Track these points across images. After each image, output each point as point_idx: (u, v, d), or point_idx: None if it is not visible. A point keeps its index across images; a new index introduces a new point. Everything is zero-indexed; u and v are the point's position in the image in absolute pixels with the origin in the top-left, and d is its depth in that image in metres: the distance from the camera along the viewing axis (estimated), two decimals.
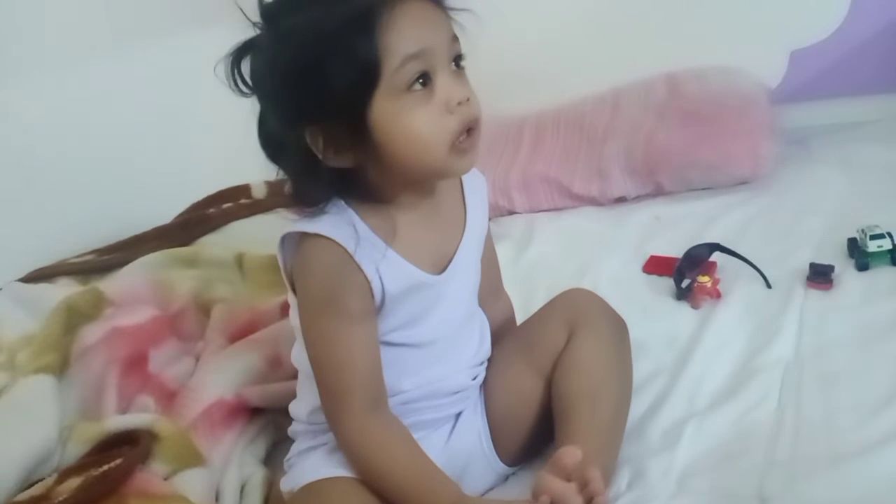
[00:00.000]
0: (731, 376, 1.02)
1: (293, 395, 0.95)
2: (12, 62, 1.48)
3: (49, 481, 0.93)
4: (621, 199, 1.58)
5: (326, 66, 0.74)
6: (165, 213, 1.61)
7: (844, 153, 1.57)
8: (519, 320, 1.10)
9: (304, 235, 0.81)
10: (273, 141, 0.81)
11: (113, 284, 1.26)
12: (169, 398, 1.07)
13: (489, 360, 0.98)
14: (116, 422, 1.00)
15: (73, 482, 0.90)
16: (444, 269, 0.87)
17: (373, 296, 0.82)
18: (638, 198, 1.57)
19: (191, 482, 0.93)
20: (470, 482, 0.92)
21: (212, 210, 1.60)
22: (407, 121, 0.77)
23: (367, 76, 0.75)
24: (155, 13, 1.66)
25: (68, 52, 1.54)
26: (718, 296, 1.18)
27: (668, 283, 1.24)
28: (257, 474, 0.99)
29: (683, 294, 1.20)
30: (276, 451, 1.05)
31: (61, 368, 1.09)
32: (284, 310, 1.20)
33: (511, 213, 1.62)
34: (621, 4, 1.80)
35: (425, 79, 0.77)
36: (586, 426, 0.86)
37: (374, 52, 0.74)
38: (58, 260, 1.46)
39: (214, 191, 1.66)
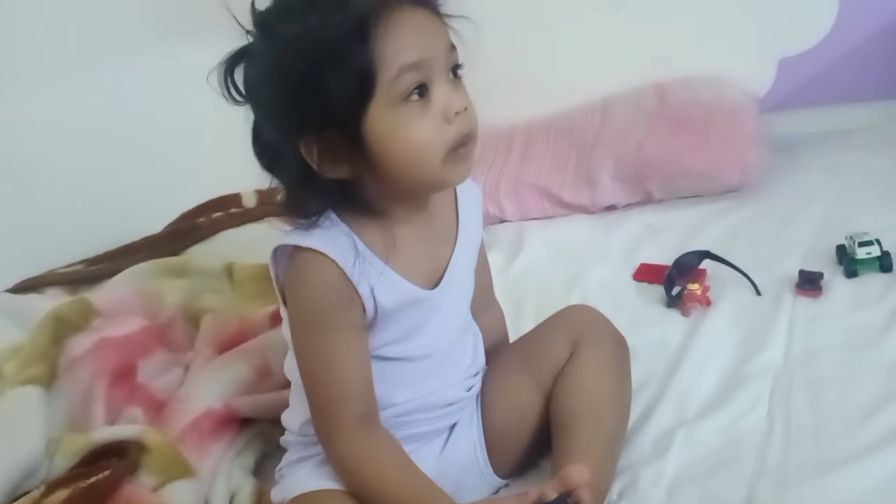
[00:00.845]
0: (721, 384, 1.02)
1: (283, 406, 0.95)
2: (1, 72, 1.47)
3: (36, 494, 0.92)
4: (611, 208, 1.58)
5: (321, 76, 0.73)
6: (155, 222, 1.60)
7: (832, 161, 1.58)
8: (510, 327, 1.10)
9: (297, 249, 0.80)
10: (268, 151, 0.80)
11: (101, 295, 1.26)
12: (157, 409, 1.07)
13: (488, 371, 0.98)
14: (104, 433, 1.00)
15: (61, 494, 0.89)
16: (437, 283, 0.87)
17: (365, 311, 0.82)
18: (628, 206, 1.57)
19: (179, 494, 0.92)
20: (463, 494, 0.91)
21: (202, 219, 1.59)
22: (404, 131, 0.76)
23: (363, 86, 0.74)
24: (146, 22, 1.66)
25: (58, 61, 1.54)
26: (708, 303, 1.19)
27: (658, 290, 1.25)
28: (247, 485, 0.99)
29: (673, 302, 1.20)
30: (265, 462, 1.04)
31: (49, 380, 1.08)
32: (274, 320, 1.19)
33: (501, 221, 1.62)
34: (610, 13, 1.81)
35: (422, 89, 0.76)
36: (586, 444, 0.86)
37: (371, 61, 0.73)
38: (46, 270, 1.45)
39: (204, 200, 1.65)
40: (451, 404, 0.91)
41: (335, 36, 0.73)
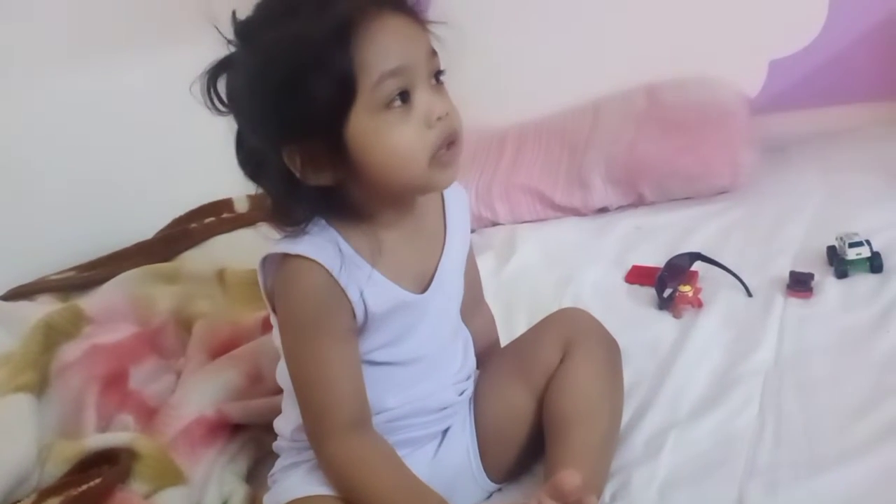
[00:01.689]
0: (713, 385, 1.02)
1: (275, 412, 0.95)
2: None
3: (27, 502, 0.92)
4: (603, 210, 1.58)
5: (302, 84, 0.73)
6: (147, 228, 1.60)
7: (823, 161, 1.58)
8: (501, 330, 1.10)
9: (285, 256, 0.80)
10: (252, 159, 0.80)
11: (92, 301, 1.25)
12: (149, 416, 1.06)
13: (480, 375, 0.98)
14: (96, 440, 0.99)
15: (52, 502, 0.89)
16: (426, 287, 0.87)
17: (355, 316, 0.82)
18: (619, 208, 1.57)
19: (171, 501, 0.92)
20: (456, 499, 0.91)
21: (194, 225, 1.59)
22: (386, 137, 0.76)
23: (343, 93, 0.74)
24: (137, 27, 1.66)
25: (47, 66, 1.53)
26: (700, 305, 1.19)
27: (649, 292, 1.25)
28: (239, 491, 0.98)
29: (665, 303, 1.21)
30: (258, 468, 1.04)
31: (40, 387, 1.08)
32: (266, 325, 1.19)
33: (494, 223, 1.63)
34: (601, 15, 1.81)
35: (404, 95, 0.76)
36: (580, 448, 0.86)
37: (351, 68, 0.73)
38: (38, 277, 1.44)
39: (196, 205, 1.65)
40: (443, 408, 0.91)
41: (315, 43, 0.73)
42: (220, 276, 1.35)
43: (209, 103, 0.79)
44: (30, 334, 1.14)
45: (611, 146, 1.61)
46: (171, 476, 0.95)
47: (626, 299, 1.27)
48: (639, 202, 1.57)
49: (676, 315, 1.18)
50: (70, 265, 1.49)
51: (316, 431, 0.83)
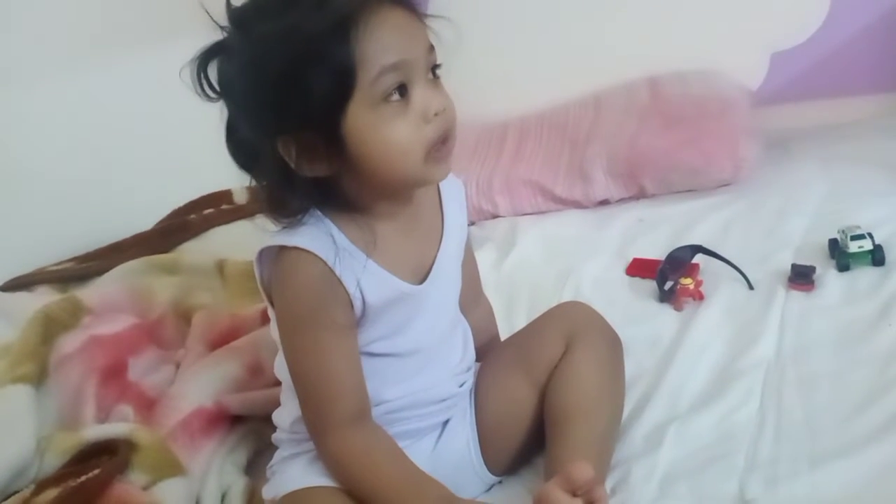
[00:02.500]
0: (713, 378, 1.02)
1: (274, 403, 0.94)
2: None
3: (26, 493, 0.92)
4: (604, 202, 1.58)
5: (300, 75, 0.73)
6: (146, 219, 1.59)
7: (825, 154, 1.57)
8: (502, 323, 1.10)
9: (281, 249, 0.80)
10: (244, 149, 0.79)
11: (91, 292, 1.25)
12: (148, 407, 1.06)
13: (481, 368, 0.97)
14: (94, 432, 0.99)
15: (51, 493, 0.89)
16: (424, 279, 0.87)
17: (353, 307, 0.81)
18: (621, 200, 1.57)
19: (170, 492, 0.92)
20: (455, 491, 0.90)
21: (193, 216, 1.59)
22: (383, 131, 0.76)
23: (342, 86, 0.74)
24: (133, 21, 1.65)
25: (46, 61, 1.53)
26: (701, 297, 1.19)
27: (650, 285, 1.25)
28: (238, 483, 0.98)
29: (666, 296, 1.20)
30: (257, 460, 1.04)
31: (39, 378, 1.08)
32: (265, 317, 1.19)
33: (494, 216, 1.62)
34: (603, 8, 1.80)
35: (402, 89, 0.76)
36: (581, 440, 0.86)
37: (351, 61, 0.73)
38: (36, 268, 1.44)
39: (195, 197, 1.65)
40: (443, 400, 0.91)
41: (314, 35, 0.72)
42: (220, 267, 1.34)
43: (199, 90, 0.78)
44: (28, 325, 1.14)
45: (612, 139, 1.60)
46: (170, 467, 0.95)
47: (627, 292, 1.26)
48: (640, 195, 1.56)
49: (677, 308, 1.18)
50: (69, 256, 1.49)
51: (316, 424, 0.83)
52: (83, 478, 0.90)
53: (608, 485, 0.88)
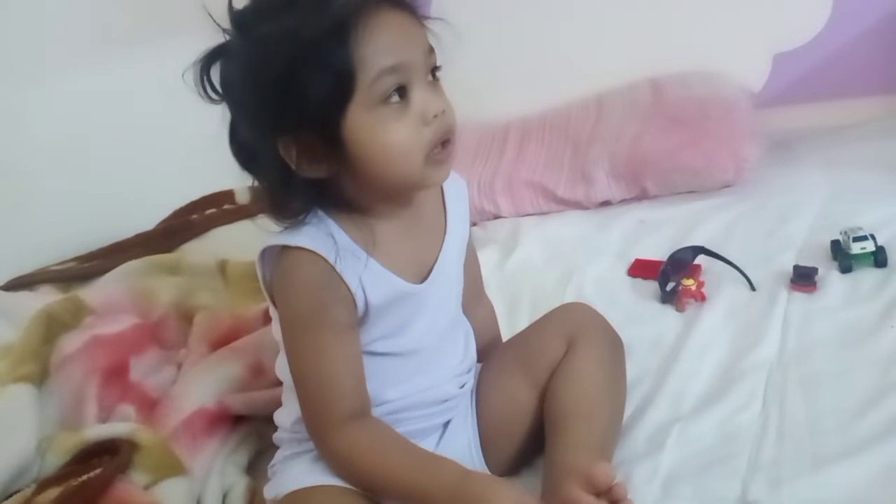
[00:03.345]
0: (716, 379, 1.01)
1: (276, 403, 0.94)
2: None
3: (27, 492, 0.92)
4: (606, 203, 1.58)
5: (300, 77, 0.73)
6: (148, 219, 1.59)
7: (827, 156, 1.58)
8: (504, 324, 1.10)
9: (283, 249, 0.80)
10: (246, 150, 0.80)
11: (93, 292, 1.25)
12: (150, 407, 1.06)
13: (482, 368, 0.97)
14: (96, 431, 0.99)
15: (52, 493, 0.89)
16: (425, 278, 0.87)
17: (355, 306, 0.81)
18: (623, 202, 1.57)
19: (171, 492, 0.92)
20: None
21: (195, 216, 1.59)
22: (382, 133, 0.76)
23: (341, 88, 0.74)
24: (133, 21, 1.66)
25: (48, 61, 1.53)
26: (703, 299, 1.18)
27: (652, 286, 1.24)
28: (240, 483, 0.98)
29: (668, 297, 1.20)
30: (259, 460, 1.04)
31: (41, 378, 1.07)
32: (267, 317, 1.18)
33: (496, 217, 1.62)
34: (605, 9, 1.81)
35: (401, 91, 0.76)
36: (580, 441, 0.86)
37: (350, 63, 0.73)
38: (38, 267, 1.44)
39: (198, 196, 1.65)
40: (444, 401, 0.91)
41: (314, 37, 0.73)
42: (222, 267, 1.34)
43: (201, 91, 0.78)
44: (30, 325, 1.14)
45: (614, 140, 1.60)
46: (171, 467, 0.94)
47: (629, 293, 1.26)
48: (642, 196, 1.56)
49: (679, 309, 1.18)
50: (71, 256, 1.49)
51: (316, 425, 0.83)
52: (84, 477, 0.90)
53: None
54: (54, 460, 0.97)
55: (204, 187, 1.66)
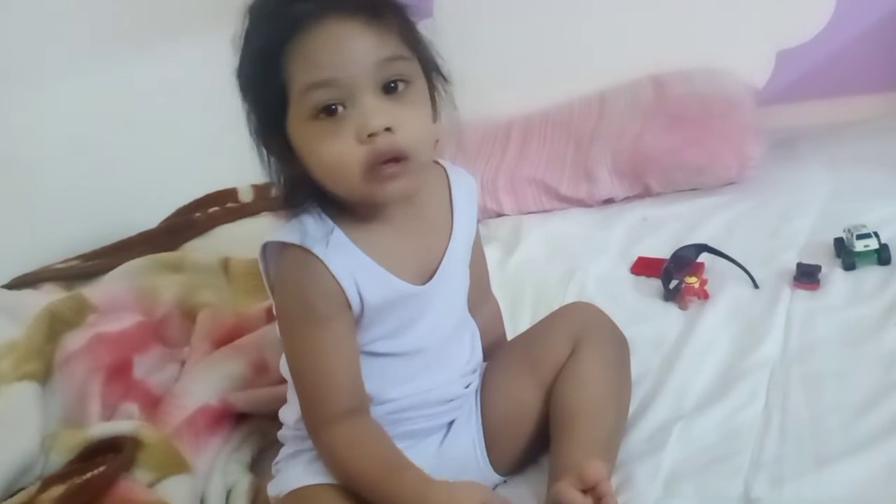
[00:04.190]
0: (718, 377, 1.01)
1: (279, 401, 0.95)
2: None
3: (32, 490, 0.92)
4: (609, 201, 1.58)
5: (256, 85, 0.77)
6: (151, 217, 1.60)
7: (831, 153, 1.57)
8: (506, 322, 1.10)
9: (284, 245, 0.81)
10: (257, 143, 0.83)
11: (97, 290, 1.25)
12: (153, 405, 1.06)
13: (487, 368, 0.97)
14: (100, 429, 0.99)
15: (56, 490, 0.89)
16: (429, 278, 0.86)
17: (350, 307, 0.82)
18: (625, 199, 1.57)
19: (175, 489, 0.92)
20: None
21: (198, 214, 1.59)
22: (315, 147, 0.76)
23: (278, 99, 0.76)
24: (137, 20, 1.66)
25: (54, 59, 1.53)
26: (706, 296, 1.18)
27: (655, 284, 1.24)
28: (243, 481, 0.98)
29: (671, 295, 1.20)
30: (262, 458, 1.04)
31: (44, 376, 1.07)
32: (270, 315, 1.19)
33: (499, 215, 1.62)
34: (608, 6, 1.80)
35: (337, 106, 0.75)
36: (586, 441, 0.86)
37: (282, 77, 0.75)
38: (42, 266, 1.44)
39: (201, 195, 1.65)
40: (449, 401, 0.91)
41: (265, 49, 0.75)
42: (225, 265, 1.34)
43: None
44: (34, 323, 1.14)
45: (617, 138, 1.60)
46: (175, 465, 0.94)
47: (632, 291, 1.26)
48: (645, 194, 1.56)
49: (682, 307, 1.18)
50: (74, 254, 1.49)
51: (312, 419, 0.83)
52: (88, 475, 0.90)
53: (613, 483, 0.88)
54: (58, 458, 0.97)
55: (207, 185, 1.66)
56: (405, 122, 0.76)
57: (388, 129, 0.75)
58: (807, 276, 1.17)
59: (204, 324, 1.20)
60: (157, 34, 1.64)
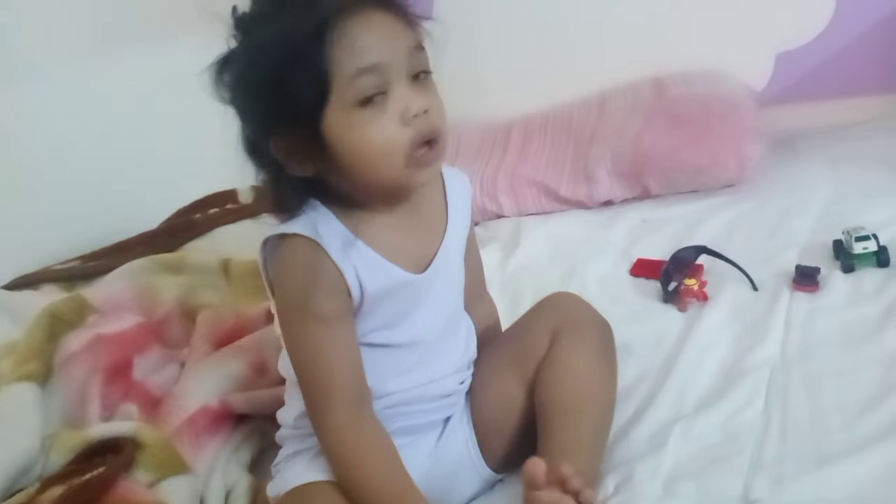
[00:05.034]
0: (718, 379, 1.02)
1: (279, 402, 0.95)
2: None
3: (31, 490, 0.92)
4: (608, 203, 1.58)
5: (283, 79, 0.75)
6: (151, 218, 1.60)
7: (830, 155, 1.58)
8: (506, 324, 1.10)
9: (282, 237, 0.81)
10: (249, 148, 0.82)
11: (97, 291, 1.26)
12: (153, 405, 1.06)
13: (476, 365, 0.97)
14: (99, 430, 0.99)
15: (56, 491, 0.89)
16: (425, 269, 0.87)
17: (350, 295, 0.82)
18: (625, 201, 1.57)
19: (175, 490, 0.92)
20: (458, 488, 0.92)
21: (198, 215, 1.59)
22: (360, 134, 0.76)
23: (319, 89, 0.75)
24: (138, 20, 1.66)
25: (52, 58, 1.53)
26: (705, 298, 1.18)
27: (654, 285, 1.24)
28: (243, 481, 0.98)
29: (670, 297, 1.20)
30: (262, 459, 1.04)
31: (44, 376, 1.08)
32: (270, 316, 1.18)
33: (499, 216, 1.62)
34: (608, 7, 1.81)
35: (380, 92, 0.76)
36: (571, 438, 0.86)
37: (325, 65, 0.75)
38: (42, 266, 1.45)
39: (201, 196, 1.65)
40: (446, 396, 0.91)
41: (298, 39, 0.75)
42: (225, 266, 1.35)
43: (217, 95, 0.80)
44: (34, 324, 1.14)
45: (617, 139, 1.60)
46: (174, 465, 0.95)
47: (631, 292, 1.26)
48: (644, 195, 1.56)
49: (682, 308, 1.18)
50: (75, 255, 1.49)
51: (316, 413, 0.83)
52: (88, 475, 0.90)
53: (612, 483, 0.88)
54: (58, 458, 0.97)
55: (207, 187, 1.66)
56: (435, 107, 0.79)
57: (425, 112, 0.78)
58: (806, 278, 1.17)
59: (204, 325, 1.20)
60: (157, 33, 1.64)
